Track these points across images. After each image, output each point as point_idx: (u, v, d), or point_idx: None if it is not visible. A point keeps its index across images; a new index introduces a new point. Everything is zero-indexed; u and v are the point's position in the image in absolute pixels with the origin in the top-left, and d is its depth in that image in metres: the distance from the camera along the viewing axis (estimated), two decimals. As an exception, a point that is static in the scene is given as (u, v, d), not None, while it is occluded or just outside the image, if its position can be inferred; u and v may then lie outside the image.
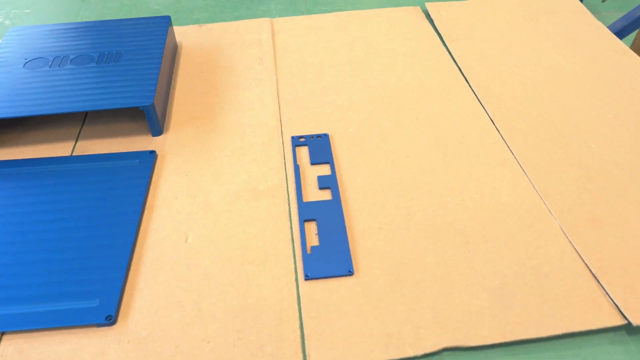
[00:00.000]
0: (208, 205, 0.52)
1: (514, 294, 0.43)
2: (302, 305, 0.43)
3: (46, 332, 0.42)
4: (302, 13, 0.85)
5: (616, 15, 2.41)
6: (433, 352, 0.39)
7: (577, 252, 0.46)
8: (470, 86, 0.67)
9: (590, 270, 0.44)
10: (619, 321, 0.40)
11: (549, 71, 0.69)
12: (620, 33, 1.00)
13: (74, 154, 0.59)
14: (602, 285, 0.43)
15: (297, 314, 0.42)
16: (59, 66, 0.65)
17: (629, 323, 0.40)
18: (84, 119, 0.64)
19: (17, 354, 0.41)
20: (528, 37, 0.76)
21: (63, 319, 0.42)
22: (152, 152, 0.58)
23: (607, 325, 0.40)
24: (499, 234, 0.48)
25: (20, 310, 0.43)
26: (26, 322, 0.42)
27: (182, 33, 0.80)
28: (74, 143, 0.61)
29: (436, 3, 0.84)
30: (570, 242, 0.47)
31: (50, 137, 0.62)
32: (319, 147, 0.59)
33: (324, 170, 0.56)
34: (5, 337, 0.42)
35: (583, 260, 0.45)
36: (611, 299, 0.42)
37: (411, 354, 0.39)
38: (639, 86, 0.66)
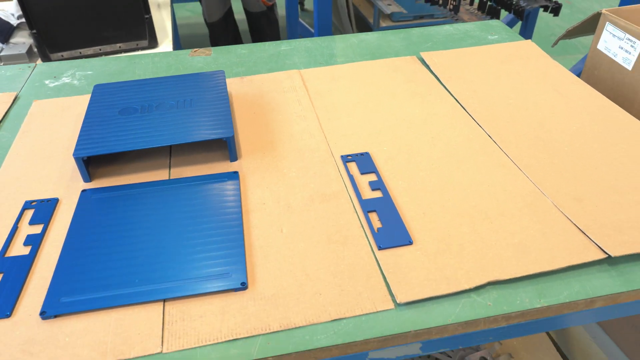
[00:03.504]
0: (291, 208, 0.69)
1: (528, 247, 0.61)
2: (381, 265, 0.59)
3: (198, 297, 0.56)
4: (321, 64, 1.05)
5: (562, 59, 2.77)
6: (481, 284, 0.56)
7: (568, 218, 0.65)
8: (468, 113, 0.87)
9: (578, 228, 0.63)
10: (602, 255, 0.59)
11: (525, 99, 0.90)
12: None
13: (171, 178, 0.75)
14: (588, 236, 0.61)
15: (379, 271, 0.59)
16: (147, 112, 0.81)
17: (609, 256, 0.58)
18: (170, 154, 0.80)
19: (179, 312, 0.55)
20: (506, 76, 0.98)
21: (210, 287, 0.57)
22: (236, 172, 0.75)
23: (595, 259, 0.58)
24: (510, 211, 0.66)
25: (178, 285, 0.57)
26: (183, 291, 0.56)
27: (228, 84, 0.98)
28: (168, 171, 0.76)
29: (429, 52, 1.06)
30: (561, 212, 0.66)
31: (146, 168, 0.77)
32: (364, 162, 0.76)
33: (372, 177, 0.74)
34: (167, 303, 0.56)
35: (572, 222, 0.64)
36: (595, 243, 0.60)
37: (466, 287, 0.56)
38: (589, 105, 0.88)
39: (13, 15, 1.73)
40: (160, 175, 0.76)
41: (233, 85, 0.98)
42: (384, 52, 1.10)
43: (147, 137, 0.75)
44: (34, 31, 1.78)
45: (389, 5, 1.98)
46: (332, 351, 0.52)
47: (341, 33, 3.20)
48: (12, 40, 1.83)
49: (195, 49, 1.12)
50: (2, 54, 1.68)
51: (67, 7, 1.83)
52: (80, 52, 1.92)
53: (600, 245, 0.60)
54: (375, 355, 0.54)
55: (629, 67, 1.13)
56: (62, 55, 1.91)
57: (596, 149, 0.77)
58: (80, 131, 0.77)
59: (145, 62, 1.08)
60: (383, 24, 2.89)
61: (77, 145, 0.74)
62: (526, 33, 2.52)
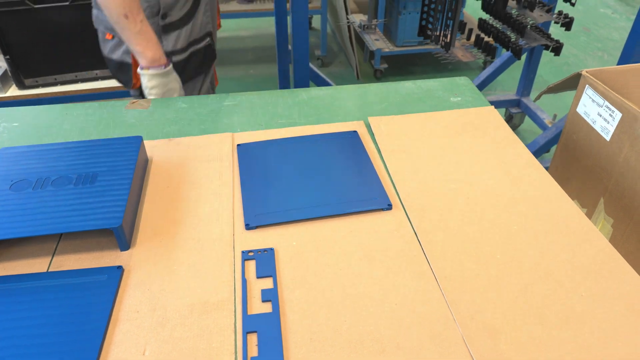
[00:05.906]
0: (165, 319, 0.60)
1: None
2: (238, 414, 0.51)
3: None
4: (261, 126, 0.97)
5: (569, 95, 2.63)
6: None
7: (473, 358, 0.55)
8: (400, 199, 0.78)
9: (481, 376, 0.53)
10: None
11: (469, 184, 0.80)
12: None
13: (50, 269, 0.68)
14: (489, 391, 0.51)
15: (234, 423, 0.50)
16: (40, 188, 0.74)
17: None
18: (60, 236, 0.73)
19: None
20: (455, 151, 0.88)
21: None
22: (119, 268, 0.67)
23: None
24: (411, 344, 0.57)
25: None
26: None
27: (153, 147, 0.91)
28: (50, 259, 0.69)
29: (378, 117, 0.97)
30: (468, 349, 0.56)
31: (29, 254, 0.70)
32: (265, 261, 0.68)
33: (268, 283, 0.65)
34: None
35: (476, 367, 0.54)
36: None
37: None
38: (544, 199, 0.77)
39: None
40: (41, 265, 0.68)
41: (158, 148, 0.91)
42: (333, 113, 1.01)
43: (30, 223, 0.68)
44: (8, 57, 1.74)
45: (376, 40, 1.89)
46: None
47: (346, 55, 3.12)
48: (-13, 65, 1.79)
49: (133, 101, 1.06)
50: (-26, 79, 1.62)
51: (43, 33, 1.79)
52: (55, 79, 1.89)
53: (499, 409, 0.50)
54: None
55: (607, 138, 1.02)
56: (36, 81, 1.88)
57: (533, 260, 0.67)
58: (-41, 210, 0.70)
59: (77, 114, 1.02)
60: (386, 49, 2.80)
61: (-53, 229, 0.67)
62: (530, 68, 2.40)
